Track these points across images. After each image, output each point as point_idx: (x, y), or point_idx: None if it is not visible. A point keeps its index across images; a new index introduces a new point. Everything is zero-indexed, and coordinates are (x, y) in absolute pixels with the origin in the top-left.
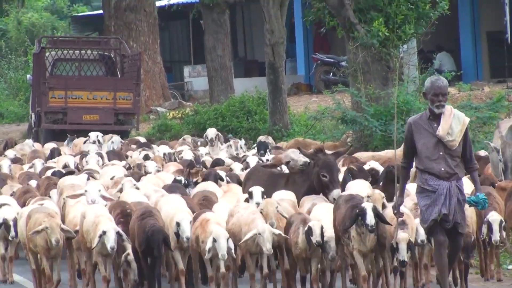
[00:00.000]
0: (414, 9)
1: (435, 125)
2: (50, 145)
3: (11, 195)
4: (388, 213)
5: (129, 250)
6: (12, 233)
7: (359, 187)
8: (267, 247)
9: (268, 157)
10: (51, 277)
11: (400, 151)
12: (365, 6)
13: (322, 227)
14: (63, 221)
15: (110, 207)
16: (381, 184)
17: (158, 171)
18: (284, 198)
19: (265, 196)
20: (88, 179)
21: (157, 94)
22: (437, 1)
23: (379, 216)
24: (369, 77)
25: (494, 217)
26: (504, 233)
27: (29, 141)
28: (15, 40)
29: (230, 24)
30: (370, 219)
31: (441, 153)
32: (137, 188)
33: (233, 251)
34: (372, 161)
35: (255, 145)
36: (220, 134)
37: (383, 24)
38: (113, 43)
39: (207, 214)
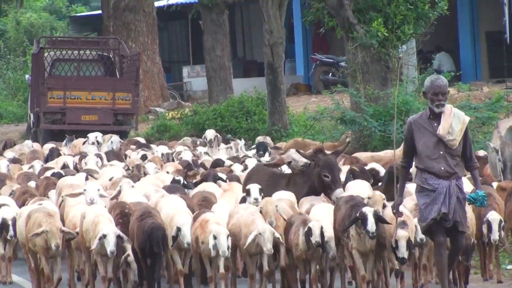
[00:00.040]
0: (413, 9)
1: (435, 124)
2: (50, 146)
3: (10, 194)
4: (388, 213)
5: (129, 251)
6: (11, 232)
7: (359, 188)
8: (268, 247)
9: (267, 158)
10: (50, 277)
11: (399, 151)
12: (364, 6)
13: (322, 228)
14: (62, 221)
15: (110, 208)
16: (382, 184)
17: (156, 172)
18: (282, 198)
19: (262, 194)
20: (86, 178)
21: (156, 94)
22: (436, 1)
23: (380, 219)
24: (368, 77)
25: (494, 216)
26: (503, 233)
27: (28, 142)
28: (13, 40)
29: (229, 25)
30: (371, 226)
31: (441, 152)
32: (132, 187)
33: (230, 251)
34: (373, 163)
35: (254, 145)
36: (219, 135)
37: (382, 24)
38: (112, 43)
39: (207, 215)
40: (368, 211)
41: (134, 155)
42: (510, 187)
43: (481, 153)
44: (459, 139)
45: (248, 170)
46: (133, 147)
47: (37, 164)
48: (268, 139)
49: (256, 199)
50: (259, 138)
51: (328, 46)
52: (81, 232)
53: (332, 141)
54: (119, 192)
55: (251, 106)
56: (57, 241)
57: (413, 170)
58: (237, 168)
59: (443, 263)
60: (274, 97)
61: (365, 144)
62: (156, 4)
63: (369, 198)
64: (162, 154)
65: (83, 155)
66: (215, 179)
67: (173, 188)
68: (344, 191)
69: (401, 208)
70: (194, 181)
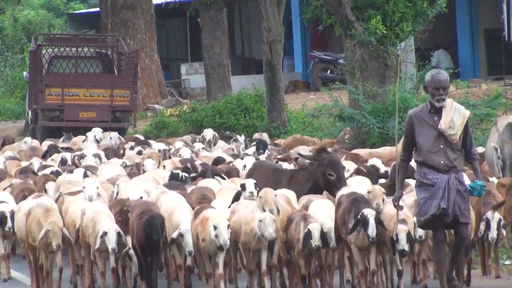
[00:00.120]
0: (411, 6)
1: (436, 118)
2: (48, 143)
3: (9, 186)
4: (387, 211)
5: (130, 244)
6: (9, 223)
7: (359, 184)
8: (269, 231)
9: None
10: (49, 272)
11: (398, 146)
12: (362, 4)
13: (322, 230)
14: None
15: (110, 205)
16: (387, 181)
17: (155, 169)
18: (279, 193)
19: (257, 188)
20: (85, 174)
21: (154, 91)
22: None
23: (379, 223)
24: (366, 74)
25: (493, 214)
26: (504, 232)
27: (28, 139)
28: (11, 37)
29: (228, 22)
30: (372, 230)
31: (442, 146)
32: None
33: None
34: (374, 158)
35: (253, 143)
36: (216, 134)
37: (380, 21)
38: (110, 40)
39: (208, 212)
40: (370, 214)
41: (131, 152)
42: (510, 183)
43: (480, 149)
44: (460, 133)
45: (248, 167)
46: (132, 143)
47: (36, 162)
48: (265, 136)
49: (251, 193)
50: (256, 135)
51: (327, 43)
52: (81, 228)
53: (331, 137)
54: (117, 193)
55: (249, 103)
56: (58, 241)
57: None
58: (238, 164)
59: (442, 259)
60: (273, 94)
61: (364, 141)
62: (154, 1)
63: (368, 192)
64: (159, 150)
65: (81, 156)
66: (213, 174)
67: (172, 185)
68: None
69: (400, 203)
70: (192, 175)
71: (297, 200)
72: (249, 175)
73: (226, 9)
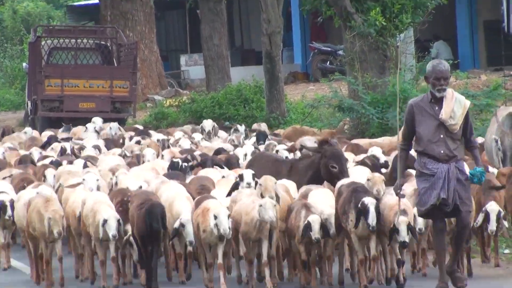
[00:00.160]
0: None
1: (437, 108)
2: (48, 133)
3: (9, 176)
4: (387, 201)
5: (130, 232)
6: (9, 212)
7: (359, 173)
8: (270, 214)
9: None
10: (49, 261)
11: (399, 135)
12: None
13: (321, 223)
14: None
15: (111, 195)
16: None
17: (155, 158)
18: (278, 183)
19: (255, 179)
20: (85, 165)
21: (153, 82)
22: None
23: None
24: (366, 66)
25: (493, 207)
26: (505, 223)
27: (28, 129)
28: (10, 29)
29: (227, 13)
30: (372, 219)
31: (442, 136)
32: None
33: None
34: (375, 147)
35: (253, 134)
36: (216, 125)
37: (380, 13)
38: (109, 32)
39: (209, 202)
40: (370, 203)
41: (130, 142)
42: (510, 172)
43: (479, 140)
44: (460, 123)
45: (249, 156)
46: (132, 133)
47: (35, 151)
48: (263, 126)
49: (248, 184)
50: (255, 126)
51: (326, 35)
52: (81, 217)
53: (330, 128)
54: (116, 184)
55: (249, 94)
56: (59, 228)
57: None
58: (239, 153)
59: (442, 248)
60: (272, 85)
61: (363, 131)
62: None
63: (368, 180)
64: (158, 140)
65: (81, 147)
66: (213, 164)
67: (172, 174)
68: None
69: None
70: (190, 163)
71: (297, 190)
72: (249, 166)
73: (225, 1)
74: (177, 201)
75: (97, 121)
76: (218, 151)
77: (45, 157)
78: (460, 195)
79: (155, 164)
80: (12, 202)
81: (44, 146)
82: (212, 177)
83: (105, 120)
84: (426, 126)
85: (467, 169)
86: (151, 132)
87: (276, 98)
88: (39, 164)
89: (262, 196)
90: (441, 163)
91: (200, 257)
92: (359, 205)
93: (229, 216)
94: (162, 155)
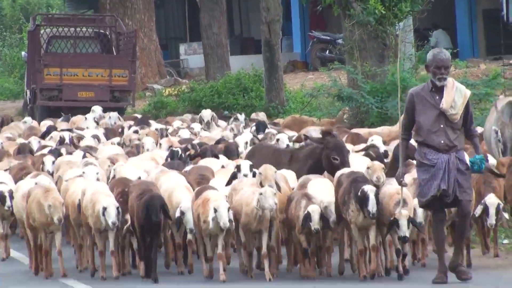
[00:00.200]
0: None
1: (437, 97)
2: (47, 123)
3: (7, 170)
4: (387, 190)
5: (129, 222)
6: (8, 202)
7: (358, 163)
8: (270, 202)
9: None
10: (48, 252)
11: (397, 127)
12: None
13: (321, 213)
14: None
15: (112, 185)
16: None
17: (154, 147)
18: (278, 172)
19: (253, 169)
20: (84, 156)
21: (153, 71)
22: None
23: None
24: (365, 54)
25: (492, 200)
26: (505, 215)
27: (28, 118)
28: (9, 17)
29: (226, 2)
30: (372, 206)
31: (442, 126)
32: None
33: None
34: (375, 135)
35: (253, 124)
36: (215, 114)
37: (379, 2)
38: (108, 20)
39: (209, 193)
40: (370, 190)
41: (129, 132)
42: (510, 161)
43: (479, 129)
44: (460, 113)
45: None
46: (131, 122)
47: (34, 140)
48: (261, 115)
49: (246, 175)
50: (253, 115)
51: (325, 23)
52: (81, 207)
53: (329, 117)
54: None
55: (248, 83)
56: (59, 215)
57: None
58: (240, 141)
59: (442, 238)
60: (271, 74)
61: (362, 120)
62: None
63: (368, 168)
64: (156, 129)
65: (80, 137)
66: (212, 154)
67: (172, 164)
68: None
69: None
70: (188, 152)
71: (297, 179)
72: (249, 157)
73: None
74: (176, 191)
75: (97, 109)
76: (219, 142)
77: (44, 146)
78: (461, 184)
79: (154, 153)
80: (11, 193)
81: (44, 136)
82: (211, 167)
83: (104, 110)
84: (426, 116)
85: (467, 159)
86: (151, 121)
87: (275, 87)
88: (37, 154)
89: (261, 185)
90: (441, 153)
91: (199, 249)
92: (359, 193)
93: (229, 208)
94: (160, 144)
